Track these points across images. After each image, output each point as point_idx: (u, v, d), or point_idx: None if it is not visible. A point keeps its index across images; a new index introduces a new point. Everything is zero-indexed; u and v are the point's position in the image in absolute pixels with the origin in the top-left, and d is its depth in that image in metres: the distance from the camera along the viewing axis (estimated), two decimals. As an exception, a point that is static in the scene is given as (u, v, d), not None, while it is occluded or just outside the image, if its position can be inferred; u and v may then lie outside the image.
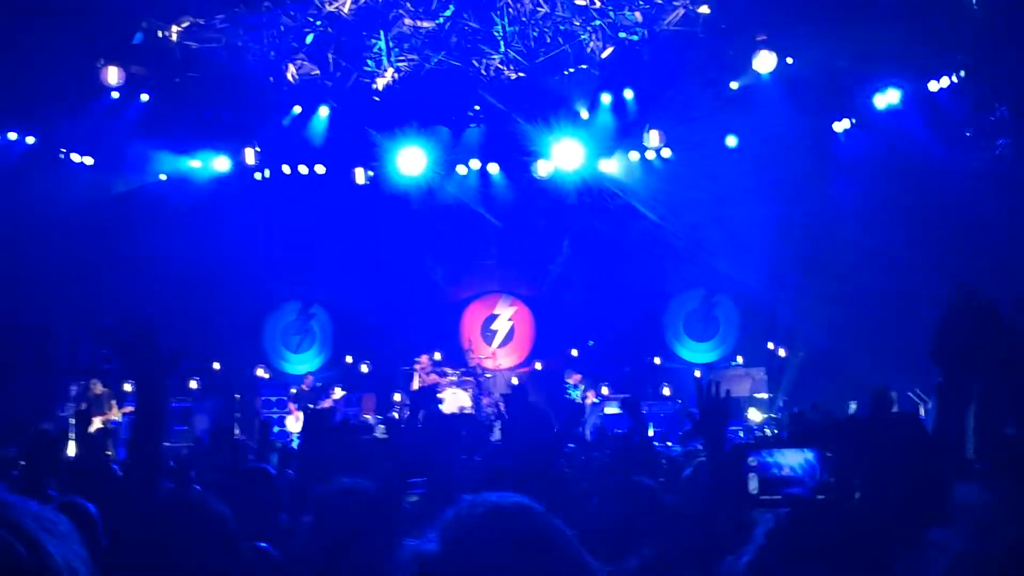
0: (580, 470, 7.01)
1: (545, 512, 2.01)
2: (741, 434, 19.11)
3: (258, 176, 23.09)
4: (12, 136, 20.30)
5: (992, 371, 3.44)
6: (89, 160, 21.39)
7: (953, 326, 3.47)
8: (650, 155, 22.34)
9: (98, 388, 19.72)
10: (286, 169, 23.05)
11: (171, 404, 21.03)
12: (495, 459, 5.69)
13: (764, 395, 21.20)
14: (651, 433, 20.15)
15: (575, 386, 21.64)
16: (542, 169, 22.17)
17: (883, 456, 2.86)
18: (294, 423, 21.37)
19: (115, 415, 19.70)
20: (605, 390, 21.13)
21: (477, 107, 21.92)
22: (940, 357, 3.46)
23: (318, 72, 20.27)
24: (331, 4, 19.08)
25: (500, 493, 2.02)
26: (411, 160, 21.95)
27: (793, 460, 3.07)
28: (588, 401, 20.76)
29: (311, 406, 19.90)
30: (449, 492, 3.93)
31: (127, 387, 19.97)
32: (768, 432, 18.58)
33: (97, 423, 19.45)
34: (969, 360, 3.45)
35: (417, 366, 21.65)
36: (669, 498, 4.59)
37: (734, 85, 20.32)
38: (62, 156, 21.11)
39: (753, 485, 3.07)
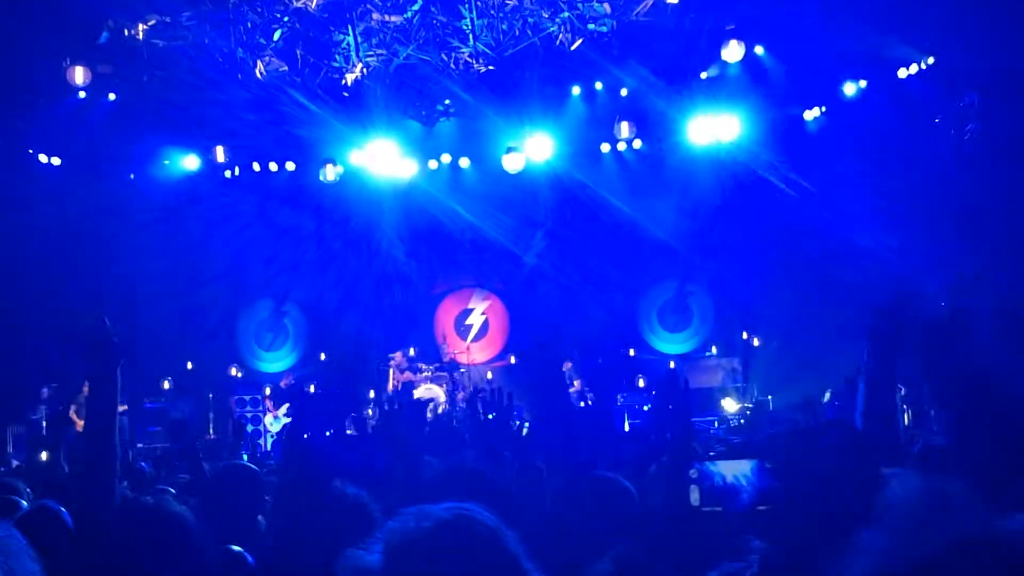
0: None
1: (495, 526, 1.98)
2: (716, 424, 19.19)
3: (228, 174, 22.99)
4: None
5: (915, 353, 3.52)
6: (57, 160, 21.25)
7: (884, 315, 3.61)
8: (621, 146, 22.37)
9: (88, 389, 19.61)
10: (256, 166, 22.97)
11: (144, 404, 20.99)
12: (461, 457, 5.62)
13: (738, 385, 21.25)
14: (626, 425, 20.34)
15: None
16: (513, 162, 22.13)
17: (815, 463, 2.87)
18: (272, 422, 21.35)
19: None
20: (577, 383, 21.09)
21: (447, 101, 21.87)
22: (870, 343, 3.61)
23: (286, 68, 20.16)
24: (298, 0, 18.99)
25: (447, 505, 1.99)
26: (382, 155, 21.87)
27: (734, 470, 3.07)
28: (573, 391, 20.77)
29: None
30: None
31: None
32: (743, 422, 18.66)
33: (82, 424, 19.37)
34: (893, 343, 3.57)
35: (392, 363, 21.61)
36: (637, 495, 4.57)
37: (704, 75, 20.36)
38: (30, 156, 20.96)
39: (695, 497, 3.08)
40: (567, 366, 21.22)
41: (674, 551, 3.55)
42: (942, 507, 1.66)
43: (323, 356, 23.55)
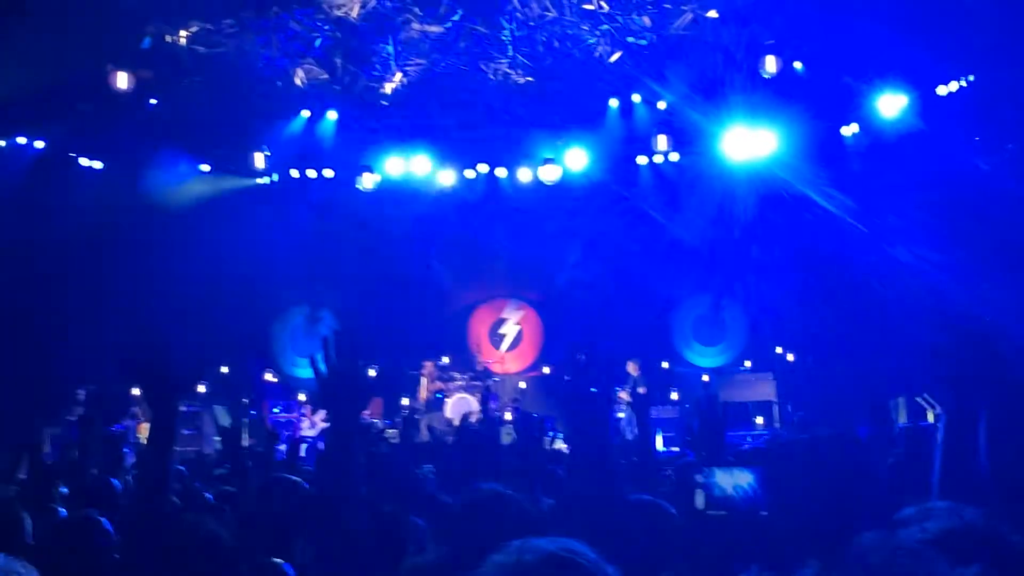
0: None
1: (597, 559, 2.00)
2: (749, 439, 19.09)
3: (266, 180, 23.10)
4: (22, 140, 20.35)
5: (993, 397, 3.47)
6: (98, 164, 21.43)
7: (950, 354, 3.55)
8: (658, 159, 22.33)
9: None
10: (294, 173, 23.07)
11: (180, 407, 21.08)
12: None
13: (773, 400, 21.15)
14: (659, 440, 20.26)
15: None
16: (550, 173, 22.13)
17: (816, 475, 2.91)
18: (309, 428, 21.44)
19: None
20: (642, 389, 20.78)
21: (485, 112, 21.92)
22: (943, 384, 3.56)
23: (326, 76, 20.28)
24: (339, 9, 19.07)
25: (551, 539, 2.01)
26: (419, 164, 21.95)
27: (739, 476, 3.12)
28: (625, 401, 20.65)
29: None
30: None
31: (136, 391, 20.11)
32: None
33: (146, 429, 19.60)
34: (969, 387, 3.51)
35: (423, 371, 21.62)
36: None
37: (743, 90, 20.30)
38: (72, 160, 21.14)
39: (700, 501, 3.14)
40: (634, 369, 21.03)
41: (682, 554, 3.67)
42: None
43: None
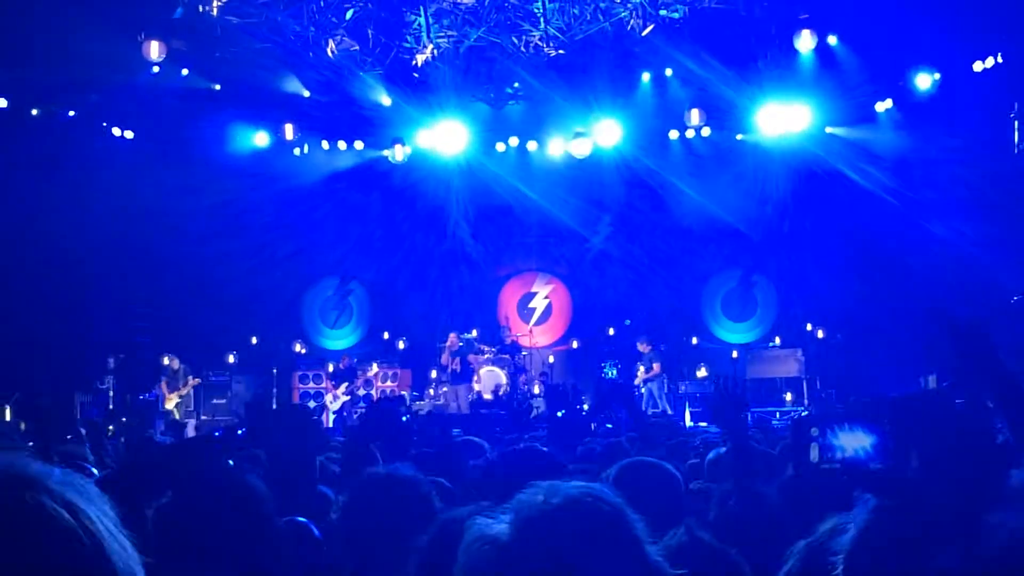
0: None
1: (621, 504, 2.01)
2: (778, 415, 19.04)
3: (297, 152, 23.12)
4: (54, 110, 20.44)
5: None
6: (129, 134, 21.49)
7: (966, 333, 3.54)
8: (690, 134, 22.21)
9: (176, 363, 20.16)
10: (325, 145, 23.09)
11: (210, 377, 21.30)
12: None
13: (802, 377, 21.08)
14: (687, 414, 20.30)
15: (613, 363, 21.78)
16: (581, 147, 22.07)
17: (939, 433, 2.92)
18: (332, 401, 21.53)
19: (188, 389, 20.23)
20: (656, 367, 20.94)
21: (516, 84, 21.87)
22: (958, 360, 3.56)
23: (357, 48, 20.26)
24: (371, -21, 19.06)
25: (575, 483, 2.03)
26: (450, 137, 21.93)
27: (851, 434, 3.14)
28: (640, 377, 20.71)
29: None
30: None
31: (166, 361, 20.31)
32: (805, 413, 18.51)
33: (174, 399, 19.92)
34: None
35: (446, 344, 21.57)
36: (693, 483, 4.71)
37: (775, 64, 20.17)
38: (104, 129, 21.21)
39: (814, 454, 3.19)
40: (645, 348, 21.10)
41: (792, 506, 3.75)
42: None
43: (386, 335, 23.68)
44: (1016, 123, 17.93)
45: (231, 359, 21.86)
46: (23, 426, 13.46)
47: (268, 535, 3.07)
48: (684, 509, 3.81)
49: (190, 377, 20.41)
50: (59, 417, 6.95)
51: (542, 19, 19.67)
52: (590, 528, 1.95)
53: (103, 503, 1.47)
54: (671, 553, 2.26)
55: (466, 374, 21.14)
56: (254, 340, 22.46)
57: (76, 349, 19.69)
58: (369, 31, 19.98)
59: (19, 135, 19.48)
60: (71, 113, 20.62)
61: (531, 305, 25.10)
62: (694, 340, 23.20)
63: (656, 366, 20.82)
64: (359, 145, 23.04)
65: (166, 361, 20.43)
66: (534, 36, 20.06)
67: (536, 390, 21.65)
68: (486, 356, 21.83)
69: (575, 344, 24.20)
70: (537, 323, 24.77)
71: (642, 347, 21.08)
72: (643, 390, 20.38)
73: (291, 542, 3.43)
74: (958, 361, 3.55)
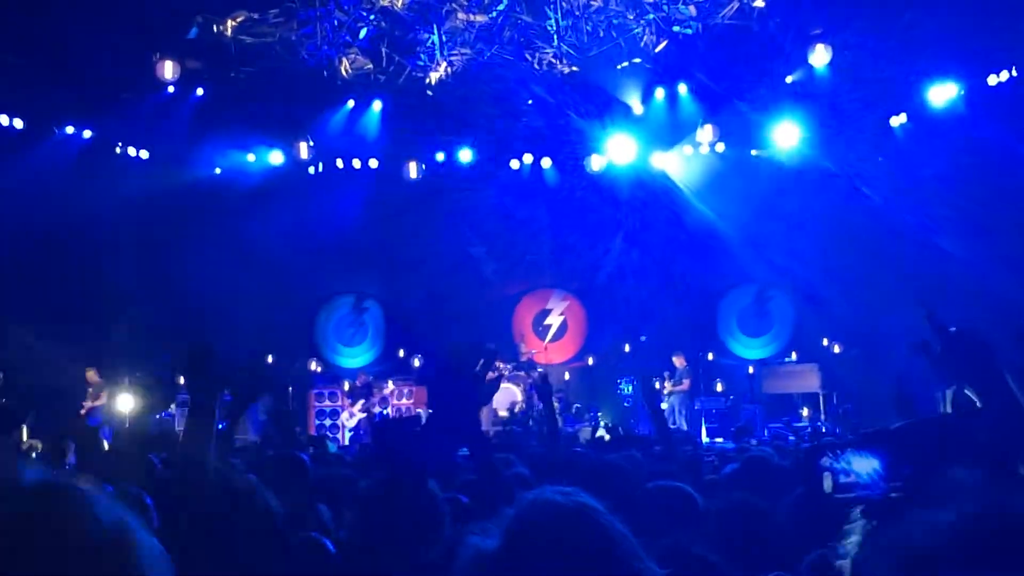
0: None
1: (607, 512, 2.01)
2: (794, 432, 18.95)
3: (312, 170, 23.16)
4: (69, 130, 20.54)
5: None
6: (145, 154, 21.57)
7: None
8: (704, 150, 22.20)
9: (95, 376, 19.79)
10: (339, 163, 23.13)
11: (224, 396, 21.22)
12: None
13: (818, 392, 21.01)
14: (704, 430, 20.25)
15: (629, 380, 21.78)
16: (595, 164, 22.08)
17: (953, 458, 2.86)
18: (348, 419, 21.54)
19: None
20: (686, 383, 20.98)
21: (530, 101, 21.89)
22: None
23: (371, 66, 20.30)
24: (385, -2, 19.10)
25: (563, 492, 2.03)
26: (464, 154, 21.97)
27: (863, 461, 3.07)
28: (667, 389, 20.68)
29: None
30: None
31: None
32: (823, 429, 18.44)
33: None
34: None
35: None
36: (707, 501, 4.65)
37: (789, 79, 20.15)
38: (119, 150, 21.30)
39: (828, 484, 3.09)
40: (681, 362, 21.09)
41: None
42: None
43: (401, 353, 23.64)
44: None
45: (246, 378, 21.82)
46: (39, 446, 13.45)
47: (281, 551, 3.06)
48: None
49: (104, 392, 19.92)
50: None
51: (555, 36, 19.68)
52: (579, 535, 1.96)
53: (134, 516, 1.51)
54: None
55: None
56: (270, 358, 22.46)
57: (92, 368, 19.72)
58: (382, 49, 20.01)
59: (36, 155, 19.57)
60: (87, 134, 20.71)
61: (547, 322, 25.09)
62: (710, 356, 23.13)
63: (686, 382, 20.83)
64: (373, 163, 23.06)
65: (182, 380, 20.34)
66: (548, 53, 20.07)
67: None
68: (501, 373, 21.80)
69: (591, 361, 24.17)
70: (552, 340, 24.75)
71: (678, 361, 21.09)
72: (665, 405, 20.34)
73: (305, 558, 3.42)
74: (950, 365, 3.52)
